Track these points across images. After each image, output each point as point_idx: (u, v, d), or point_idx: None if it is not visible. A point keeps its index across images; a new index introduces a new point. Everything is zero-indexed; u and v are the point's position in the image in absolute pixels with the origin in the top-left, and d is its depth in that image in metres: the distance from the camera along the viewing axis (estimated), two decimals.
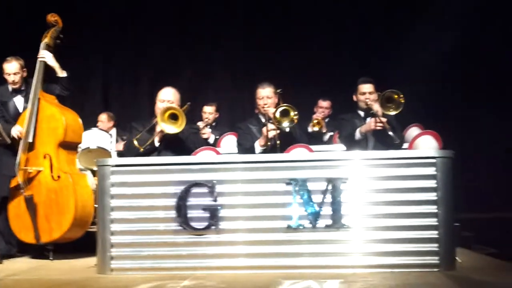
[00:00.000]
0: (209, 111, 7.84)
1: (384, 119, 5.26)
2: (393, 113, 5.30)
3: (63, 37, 5.65)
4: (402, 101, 5.23)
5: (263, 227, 4.22)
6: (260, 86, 5.52)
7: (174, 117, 5.06)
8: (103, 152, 6.77)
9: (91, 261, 4.60)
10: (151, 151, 5.16)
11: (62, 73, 5.49)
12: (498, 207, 7.89)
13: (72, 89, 5.65)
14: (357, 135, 5.41)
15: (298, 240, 4.19)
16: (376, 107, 5.32)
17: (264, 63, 9.12)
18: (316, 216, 4.18)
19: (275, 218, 4.22)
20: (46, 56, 5.45)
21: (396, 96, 5.26)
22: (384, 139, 5.29)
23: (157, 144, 5.17)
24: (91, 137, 6.81)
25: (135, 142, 5.11)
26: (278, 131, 5.23)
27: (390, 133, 5.21)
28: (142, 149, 5.09)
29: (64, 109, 5.38)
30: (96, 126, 7.67)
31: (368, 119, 5.47)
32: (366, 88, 5.53)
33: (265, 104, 5.42)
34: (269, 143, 5.26)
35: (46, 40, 5.54)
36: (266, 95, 5.45)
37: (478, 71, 8.41)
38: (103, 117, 8.06)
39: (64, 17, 5.67)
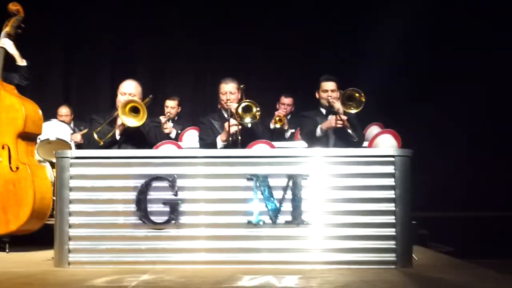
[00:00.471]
0: (171, 105, 7.82)
1: (344, 117, 5.32)
2: (353, 111, 5.37)
3: (24, 26, 5.56)
4: (363, 99, 5.30)
5: (224, 222, 4.22)
6: (223, 81, 5.54)
7: (135, 110, 5.03)
8: (63, 144, 6.71)
9: (49, 254, 4.55)
10: (111, 144, 5.12)
11: (22, 62, 5.42)
12: (453, 206, 8.07)
13: (32, 79, 5.56)
14: (318, 132, 5.46)
15: (258, 236, 4.21)
16: (338, 105, 5.37)
17: (227, 58, 9.15)
18: (276, 212, 4.20)
19: (235, 214, 4.23)
20: (6, 44, 5.36)
21: (357, 95, 5.33)
22: (345, 137, 5.35)
23: (118, 137, 5.13)
24: (50, 128, 6.74)
25: (95, 135, 5.07)
26: (240, 127, 5.25)
27: (349, 131, 5.28)
28: (101, 143, 5.05)
29: (24, 100, 5.29)
30: (56, 118, 7.60)
31: (330, 117, 5.53)
32: (329, 86, 5.59)
33: (228, 100, 5.43)
34: (230, 138, 5.27)
35: (7, 29, 5.45)
36: (229, 90, 5.47)
37: (434, 68, 8.58)
38: (63, 111, 7.98)
39: (26, 7, 5.57)
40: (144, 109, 5.02)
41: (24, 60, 5.43)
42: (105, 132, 5.13)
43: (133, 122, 5.02)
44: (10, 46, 5.37)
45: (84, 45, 9.36)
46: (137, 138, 5.16)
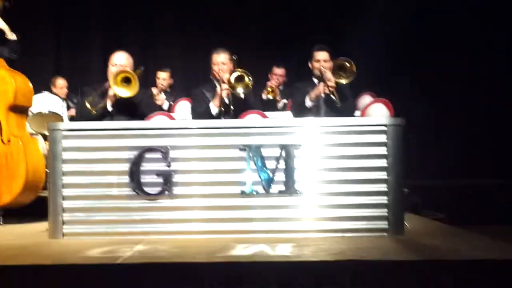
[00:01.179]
0: (163, 77, 7.79)
1: (332, 84, 5.29)
2: (344, 81, 5.35)
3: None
4: (354, 70, 5.28)
5: (217, 193, 4.24)
6: (215, 52, 5.51)
7: (127, 81, 5.01)
8: (55, 117, 6.68)
9: (43, 226, 4.56)
10: (103, 115, 5.10)
11: (12, 36, 5.38)
12: (447, 174, 8.12)
13: (21, 52, 5.52)
14: (308, 102, 5.44)
15: (251, 206, 4.23)
16: (329, 75, 5.35)
17: (218, 28, 9.09)
18: (269, 182, 4.22)
19: (228, 184, 4.24)
20: None
21: (348, 65, 5.30)
22: (335, 107, 5.34)
23: (109, 108, 5.11)
24: (42, 101, 6.72)
25: (88, 105, 5.05)
26: (231, 90, 5.25)
27: (333, 97, 5.26)
28: (94, 112, 5.03)
29: (14, 72, 5.26)
30: (50, 90, 7.59)
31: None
32: (321, 55, 5.55)
33: (220, 70, 5.41)
34: (222, 107, 5.26)
35: None
36: (221, 61, 5.44)
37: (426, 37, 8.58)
38: (60, 82, 7.97)
39: None
40: (135, 79, 4.99)
41: (14, 34, 5.39)
42: (96, 103, 5.11)
43: (125, 92, 5.00)
44: None
45: (75, 19, 9.28)
46: (129, 109, 5.13)
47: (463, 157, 8.27)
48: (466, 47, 8.44)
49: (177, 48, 9.42)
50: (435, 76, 8.53)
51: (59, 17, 9.33)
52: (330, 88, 5.29)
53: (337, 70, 5.33)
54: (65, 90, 8.02)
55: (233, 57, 5.50)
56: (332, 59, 5.53)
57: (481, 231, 4.37)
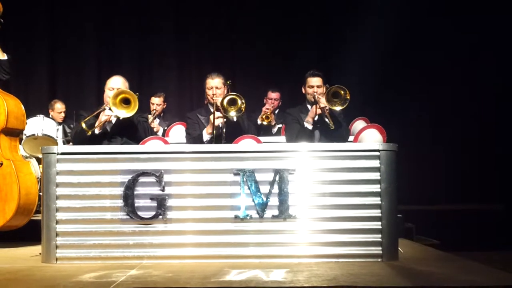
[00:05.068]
0: (157, 102, 7.82)
1: (324, 106, 5.32)
2: (338, 108, 5.36)
3: (3, 22, 5.51)
4: (348, 97, 5.29)
5: (211, 217, 4.24)
6: (210, 77, 5.56)
7: (126, 102, 5.04)
8: (49, 140, 6.69)
9: (36, 250, 4.54)
10: (98, 137, 5.13)
11: (3, 56, 5.38)
12: (439, 200, 8.14)
13: (13, 74, 5.52)
14: (307, 125, 5.46)
15: (245, 230, 4.23)
16: (323, 101, 5.38)
17: (214, 53, 9.16)
18: (263, 206, 4.22)
19: (222, 208, 4.24)
20: None
21: (342, 92, 5.31)
22: (330, 133, 5.37)
23: (98, 131, 5.15)
24: (37, 124, 6.72)
25: (83, 125, 5.08)
26: (225, 119, 5.28)
27: (326, 120, 5.29)
28: (89, 132, 5.06)
29: (6, 95, 5.25)
30: (48, 114, 7.63)
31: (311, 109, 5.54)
32: (314, 81, 5.58)
33: (214, 95, 5.44)
34: (215, 132, 5.29)
35: None
36: (215, 85, 5.49)
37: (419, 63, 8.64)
38: (58, 106, 8.04)
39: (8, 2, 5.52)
40: (135, 99, 5.03)
41: (5, 54, 5.39)
42: (92, 125, 5.14)
43: (123, 113, 5.04)
44: None
45: (69, 42, 9.31)
46: (126, 132, 5.17)
47: (456, 182, 8.30)
48: (455, 78, 8.52)
49: (170, 71, 9.45)
50: (428, 102, 8.59)
51: (53, 40, 9.34)
52: (323, 110, 5.32)
53: (331, 97, 5.35)
54: (63, 115, 8.10)
55: (228, 82, 5.54)
56: (325, 84, 5.56)
57: (475, 257, 4.38)
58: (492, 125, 8.46)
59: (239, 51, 9.26)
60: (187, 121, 5.81)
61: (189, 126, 5.67)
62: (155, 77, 9.37)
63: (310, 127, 5.47)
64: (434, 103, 8.57)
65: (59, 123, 7.83)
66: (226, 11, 9.44)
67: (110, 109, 5.12)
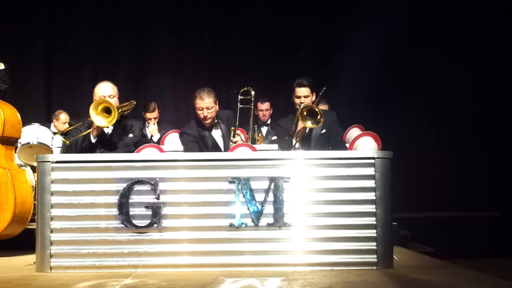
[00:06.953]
0: (153, 116, 7.83)
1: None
2: (311, 127, 5.35)
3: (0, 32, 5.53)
4: (321, 120, 5.26)
5: (206, 225, 4.23)
6: (199, 97, 5.48)
7: (107, 111, 5.03)
8: (44, 148, 6.68)
9: (30, 259, 4.52)
10: (88, 148, 5.14)
11: (0, 66, 5.39)
12: (434, 207, 8.14)
13: (10, 83, 5.53)
14: (295, 144, 5.47)
15: (240, 238, 4.22)
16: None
17: (211, 59, 9.20)
18: (258, 214, 4.22)
19: (217, 216, 4.23)
20: None
21: (319, 115, 5.27)
22: (325, 140, 5.38)
23: (93, 140, 5.15)
24: (32, 132, 6.72)
25: (62, 137, 5.10)
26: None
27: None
28: (67, 142, 5.08)
29: (2, 103, 5.26)
30: (51, 124, 7.64)
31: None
32: (302, 92, 5.52)
33: (206, 116, 5.45)
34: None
35: None
36: (205, 106, 5.46)
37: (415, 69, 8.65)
38: (62, 117, 8.04)
39: (4, 11, 5.54)
40: (115, 113, 4.99)
41: (2, 64, 5.40)
42: (77, 134, 5.17)
43: (101, 121, 5.03)
44: None
45: (65, 50, 9.33)
46: (112, 145, 5.20)
47: (452, 190, 8.30)
48: (457, 78, 8.51)
49: (167, 77, 9.46)
50: (425, 109, 8.60)
51: (48, 48, 9.35)
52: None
53: (308, 114, 5.31)
54: (67, 125, 8.08)
55: (233, 91, 5.55)
56: (313, 92, 5.53)
57: (470, 264, 4.38)
58: (490, 133, 8.46)
59: (238, 52, 9.28)
60: (182, 143, 5.73)
61: (186, 147, 5.57)
62: (151, 83, 9.36)
63: (298, 145, 5.45)
64: (433, 107, 8.56)
65: (62, 133, 7.83)
66: (225, 14, 9.48)
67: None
